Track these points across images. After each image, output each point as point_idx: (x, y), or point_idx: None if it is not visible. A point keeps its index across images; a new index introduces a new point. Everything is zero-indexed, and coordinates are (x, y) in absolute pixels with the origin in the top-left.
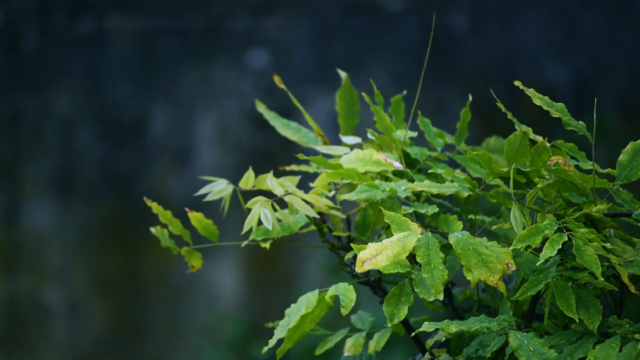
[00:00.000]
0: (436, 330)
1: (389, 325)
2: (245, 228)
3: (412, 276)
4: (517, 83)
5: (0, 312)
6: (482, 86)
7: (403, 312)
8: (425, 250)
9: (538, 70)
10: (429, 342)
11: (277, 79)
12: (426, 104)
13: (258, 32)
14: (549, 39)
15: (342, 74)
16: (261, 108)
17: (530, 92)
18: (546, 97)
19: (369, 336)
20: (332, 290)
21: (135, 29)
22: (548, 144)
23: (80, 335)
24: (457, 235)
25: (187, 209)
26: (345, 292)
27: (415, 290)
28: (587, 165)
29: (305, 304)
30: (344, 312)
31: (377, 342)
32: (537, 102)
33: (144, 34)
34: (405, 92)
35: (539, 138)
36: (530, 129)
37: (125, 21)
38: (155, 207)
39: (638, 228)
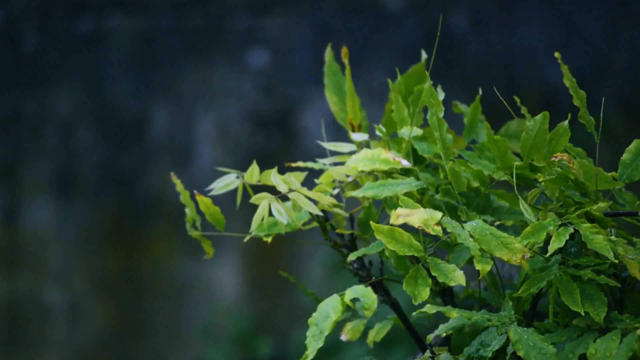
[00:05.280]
0: (437, 325)
1: (415, 303)
2: (254, 225)
3: (428, 260)
4: (557, 55)
5: (0, 312)
6: (482, 86)
7: (425, 292)
8: (451, 226)
9: (538, 70)
10: (430, 337)
11: (344, 51)
12: None
13: (258, 32)
14: (549, 39)
15: (424, 55)
16: (328, 56)
17: (564, 69)
18: (574, 80)
19: (370, 326)
20: (349, 294)
21: (135, 29)
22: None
23: (80, 335)
24: (472, 223)
25: (195, 192)
26: (365, 294)
27: (434, 274)
28: (592, 171)
29: (332, 310)
30: (368, 314)
31: (378, 332)
32: (567, 83)
33: (144, 34)
34: (431, 82)
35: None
36: (547, 114)
37: (125, 21)
38: (178, 184)
39: (638, 228)
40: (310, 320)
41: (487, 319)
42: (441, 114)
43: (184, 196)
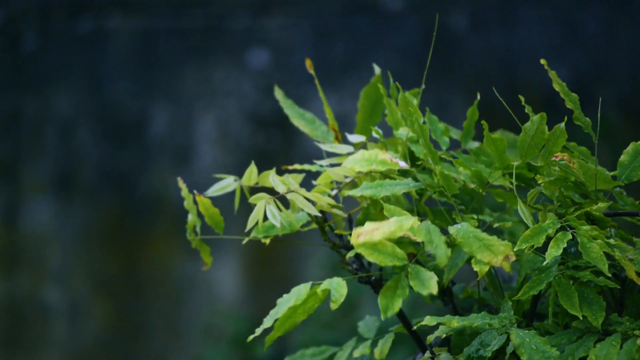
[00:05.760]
0: (437, 326)
1: (383, 319)
2: (249, 224)
3: (408, 269)
4: (542, 62)
5: (0, 312)
6: (482, 86)
7: (397, 304)
8: (425, 232)
9: (538, 70)
10: (430, 338)
11: (308, 63)
12: (426, 103)
13: (258, 32)
14: (549, 39)
15: (377, 69)
16: (279, 95)
17: (552, 74)
18: (564, 83)
19: (374, 343)
20: (325, 284)
21: (135, 29)
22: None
23: (80, 335)
24: (457, 226)
25: (195, 192)
26: (337, 287)
27: (411, 283)
28: (592, 171)
29: (295, 296)
30: (334, 306)
31: (381, 350)
32: (557, 87)
33: (144, 34)
34: (423, 86)
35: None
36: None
37: (125, 21)
38: (184, 189)
39: (638, 228)
40: (278, 299)
41: (488, 324)
42: (421, 120)
43: (188, 201)
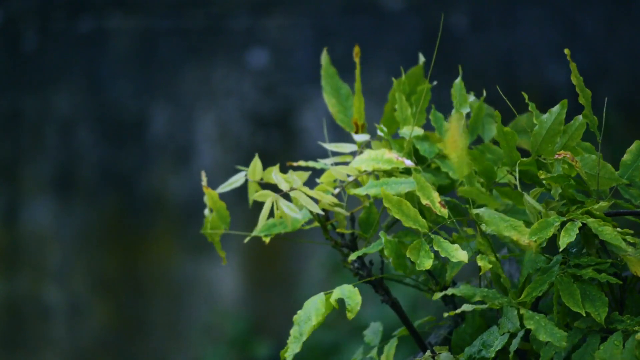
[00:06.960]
0: (437, 327)
1: (418, 269)
2: (260, 223)
3: (432, 237)
4: (566, 51)
5: (0, 312)
6: (483, 86)
7: (427, 263)
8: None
9: (538, 70)
10: (437, 295)
11: (356, 50)
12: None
13: (258, 31)
14: (549, 39)
15: (421, 58)
16: (324, 60)
17: (572, 67)
18: (581, 78)
19: (380, 350)
20: (336, 293)
21: (135, 28)
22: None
23: (80, 335)
24: (482, 209)
25: (204, 184)
26: (351, 295)
27: (436, 248)
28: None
29: (314, 313)
30: (350, 316)
31: (387, 355)
32: (574, 81)
33: (144, 34)
34: (435, 82)
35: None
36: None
37: (125, 21)
38: (205, 185)
39: (639, 227)
40: (295, 317)
41: (498, 296)
42: (464, 110)
43: (208, 195)
